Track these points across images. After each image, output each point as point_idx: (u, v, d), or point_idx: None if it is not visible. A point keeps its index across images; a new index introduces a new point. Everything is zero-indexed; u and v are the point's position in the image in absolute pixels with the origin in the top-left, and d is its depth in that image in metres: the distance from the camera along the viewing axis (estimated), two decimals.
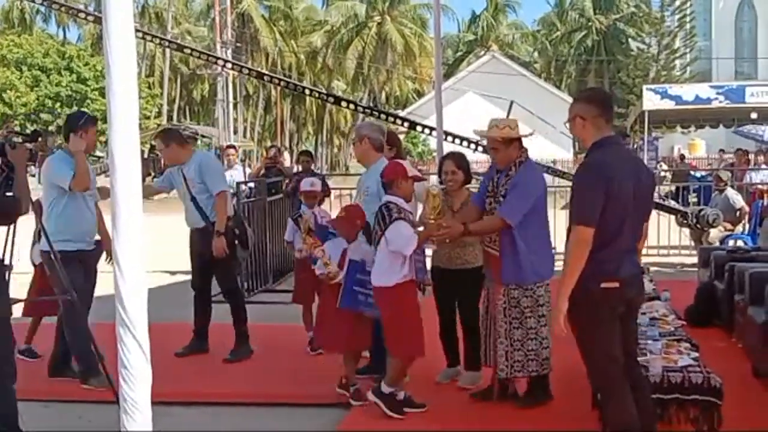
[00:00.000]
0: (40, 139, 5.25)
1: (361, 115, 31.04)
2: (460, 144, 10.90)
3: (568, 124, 4.36)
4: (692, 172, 21.24)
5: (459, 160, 6.01)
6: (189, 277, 7.39)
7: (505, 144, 5.32)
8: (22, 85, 43.03)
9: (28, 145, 5.01)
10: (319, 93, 16.79)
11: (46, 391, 6.00)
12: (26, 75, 43.55)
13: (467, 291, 5.86)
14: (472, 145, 11.10)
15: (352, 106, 17.05)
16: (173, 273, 10.91)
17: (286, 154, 20.64)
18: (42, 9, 55.89)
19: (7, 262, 4.78)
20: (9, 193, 4.71)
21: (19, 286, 5.85)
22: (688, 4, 48.25)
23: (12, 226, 4.82)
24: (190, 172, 6.89)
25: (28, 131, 5.83)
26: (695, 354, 5.08)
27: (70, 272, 5.63)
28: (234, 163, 12.75)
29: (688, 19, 48.38)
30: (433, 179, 7.25)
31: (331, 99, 18.99)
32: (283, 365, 6.79)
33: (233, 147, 13.72)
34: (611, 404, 4.15)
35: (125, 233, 2.69)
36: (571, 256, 3.98)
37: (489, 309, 5.49)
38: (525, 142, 5.44)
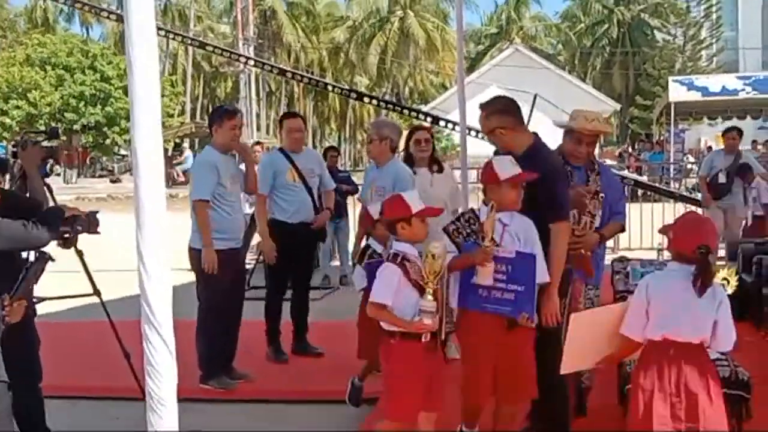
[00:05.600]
0: (62, 137, 5.22)
1: (384, 111, 31.02)
2: (483, 139, 10.80)
3: (486, 139, 4.67)
4: None
5: None
6: None
7: (595, 138, 5.13)
8: (47, 85, 43.35)
9: (46, 144, 4.98)
10: (342, 89, 16.83)
11: (73, 388, 6.05)
12: (50, 74, 43.86)
13: None
14: None
15: (375, 101, 17.06)
16: None
17: None
18: (65, 8, 56.38)
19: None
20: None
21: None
22: None
23: None
24: (308, 163, 6.98)
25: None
26: None
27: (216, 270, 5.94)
28: (259, 160, 12.72)
29: (714, 9, 47.71)
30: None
31: (354, 95, 18.99)
32: (308, 361, 6.81)
33: (260, 144, 13.70)
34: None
35: (150, 231, 2.70)
36: (561, 250, 4.31)
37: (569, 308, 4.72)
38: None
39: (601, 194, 5.07)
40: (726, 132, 10.62)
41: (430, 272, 3.90)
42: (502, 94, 5.36)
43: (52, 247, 4.02)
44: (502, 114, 4.52)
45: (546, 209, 4.29)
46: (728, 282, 3.71)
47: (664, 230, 3.88)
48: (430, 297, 3.92)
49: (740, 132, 10.82)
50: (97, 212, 4.38)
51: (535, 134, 4.61)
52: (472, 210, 4.39)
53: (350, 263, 10.86)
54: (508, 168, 4.23)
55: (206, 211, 5.97)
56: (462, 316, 4.39)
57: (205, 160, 6.21)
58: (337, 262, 11.32)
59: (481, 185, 4.45)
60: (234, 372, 6.30)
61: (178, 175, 34.68)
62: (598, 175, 5.11)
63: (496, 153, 4.63)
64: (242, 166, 7.31)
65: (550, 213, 4.32)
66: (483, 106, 4.61)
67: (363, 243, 5.62)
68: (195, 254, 6.04)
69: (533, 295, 4.15)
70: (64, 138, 41.00)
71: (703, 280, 3.58)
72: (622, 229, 5.49)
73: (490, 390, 4.31)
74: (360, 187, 10.75)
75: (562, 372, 3.96)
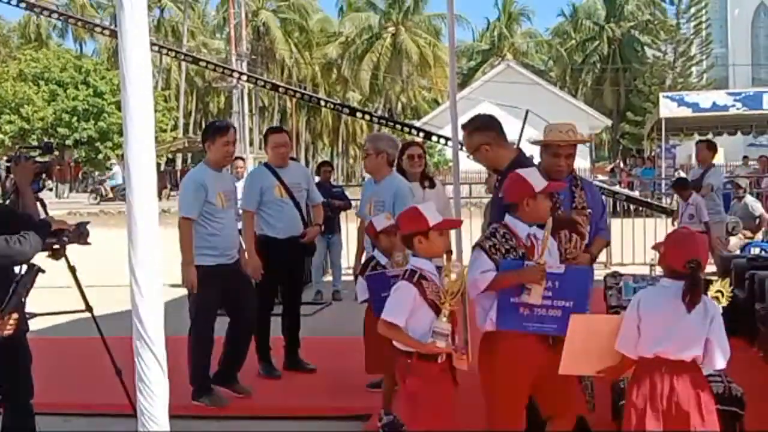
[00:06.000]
0: (56, 152, 5.20)
1: (376, 126, 31.05)
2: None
3: (472, 157, 4.65)
4: None
5: None
6: None
7: (572, 150, 4.97)
8: (40, 100, 43.31)
9: (39, 159, 4.95)
10: (334, 104, 16.87)
11: (65, 404, 6.01)
12: (43, 89, 43.85)
13: None
14: None
15: (367, 116, 17.08)
16: None
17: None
18: (58, 24, 56.41)
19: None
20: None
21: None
22: (704, 11, 48.02)
23: None
24: (294, 178, 6.89)
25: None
26: None
27: (205, 287, 5.88)
28: (242, 175, 12.67)
29: (703, 26, 48.13)
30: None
31: (346, 110, 19.06)
32: (300, 377, 6.79)
33: (242, 159, 13.68)
34: None
35: (142, 247, 2.69)
36: None
37: None
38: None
39: (588, 210, 5.06)
40: (696, 144, 10.71)
41: (448, 293, 3.75)
42: (493, 109, 5.35)
43: (43, 261, 4.01)
44: (483, 130, 4.56)
45: None
46: (722, 294, 3.66)
47: (657, 246, 3.87)
48: (444, 319, 3.77)
49: (710, 145, 10.79)
50: (87, 223, 4.38)
51: (519, 149, 4.64)
52: (504, 225, 4.05)
53: (342, 279, 10.87)
54: (539, 179, 4.03)
55: (189, 229, 5.93)
56: (494, 338, 3.98)
57: (194, 178, 6.17)
58: (329, 278, 11.31)
59: (511, 199, 4.13)
60: (237, 385, 6.28)
61: (106, 191, 34.88)
62: (582, 191, 5.09)
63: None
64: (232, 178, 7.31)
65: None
66: (465, 126, 4.64)
67: (365, 256, 5.59)
68: None
69: (585, 308, 4.02)
70: (56, 153, 40.90)
71: (691, 296, 3.54)
72: (607, 244, 5.48)
73: (524, 415, 4.07)
74: (353, 203, 10.78)
75: (561, 372, 3.84)
